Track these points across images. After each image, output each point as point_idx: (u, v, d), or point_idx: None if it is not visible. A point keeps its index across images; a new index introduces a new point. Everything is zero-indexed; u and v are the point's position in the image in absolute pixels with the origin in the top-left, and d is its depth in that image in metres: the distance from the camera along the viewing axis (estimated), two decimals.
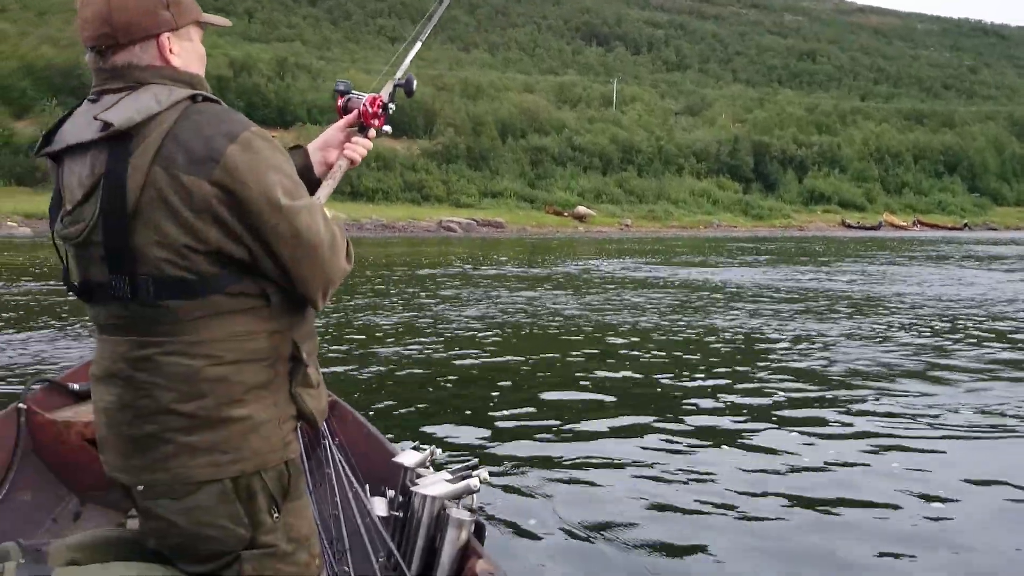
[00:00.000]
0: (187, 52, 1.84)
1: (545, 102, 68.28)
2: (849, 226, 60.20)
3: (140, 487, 1.81)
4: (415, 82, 2.33)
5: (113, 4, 1.74)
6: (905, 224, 62.33)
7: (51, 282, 13.71)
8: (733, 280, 16.79)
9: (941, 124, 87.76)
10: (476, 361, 7.87)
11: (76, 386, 3.66)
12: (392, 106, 2.24)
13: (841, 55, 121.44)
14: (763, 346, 8.77)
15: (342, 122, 2.21)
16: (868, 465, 4.73)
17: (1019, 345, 8.93)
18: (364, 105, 2.16)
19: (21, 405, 3.39)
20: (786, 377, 7.11)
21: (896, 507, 4.08)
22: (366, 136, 2.20)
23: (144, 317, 1.74)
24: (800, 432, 5.35)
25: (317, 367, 1.97)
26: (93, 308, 1.85)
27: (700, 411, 5.92)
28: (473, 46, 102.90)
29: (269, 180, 1.69)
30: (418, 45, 2.64)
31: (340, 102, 2.20)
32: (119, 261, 1.71)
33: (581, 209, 51.47)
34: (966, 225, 63.88)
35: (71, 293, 1.88)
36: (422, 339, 9.00)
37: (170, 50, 1.80)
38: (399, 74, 2.38)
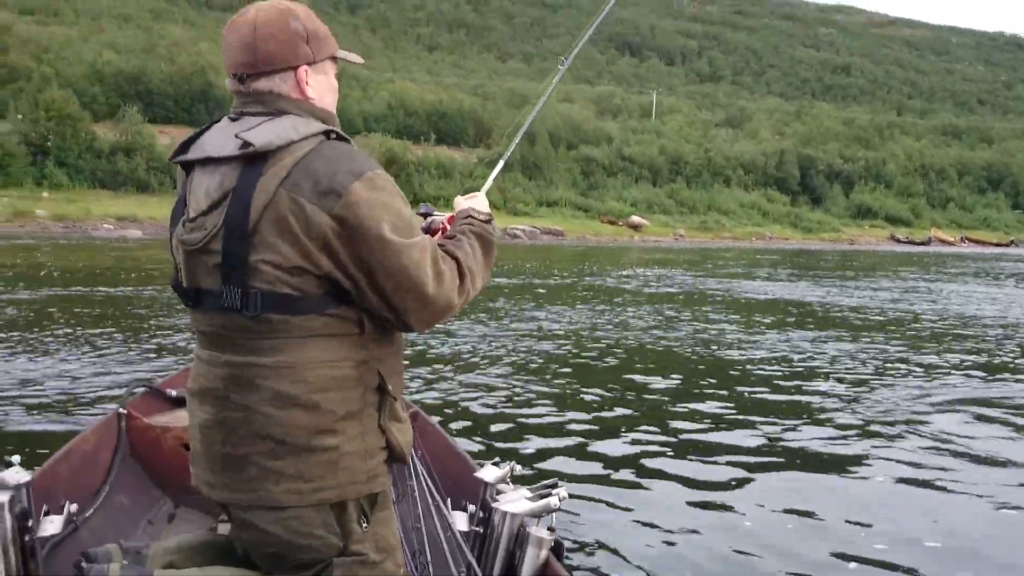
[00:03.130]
0: (321, 85, 1.93)
1: (588, 113, 68.53)
2: (899, 241, 60.21)
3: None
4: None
5: (258, 34, 1.83)
6: (953, 240, 62.27)
7: (155, 287, 13.72)
8: (820, 299, 16.75)
9: (979, 140, 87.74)
10: (561, 375, 7.69)
11: (174, 392, 3.76)
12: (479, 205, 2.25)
13: (875, 68, 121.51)
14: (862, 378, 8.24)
15: None
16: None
17: None
18: (443, 224, 2.26)
19: (122, 410, 3.47)
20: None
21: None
22: None
23: (246, 329, 1.80)
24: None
25: (404, 404, 2.04)
26: (197, 314, 1.91)
27: (786, 434, 5.80)
28: (509, 56, 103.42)
29: (383, 218, 1.76)
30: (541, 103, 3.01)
31: (424, 224, 2.25)
32: (234, 272, 1.78)
33: (635, 219, 51.77)
34: (1012, 242, 63.72)
35: (178, 296, 1.95)
36: (505, 350, 8.88)
37: (307, 83, 1.89)
38: (485, 188, 2.55)
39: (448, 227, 2.22)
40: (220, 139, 1.84)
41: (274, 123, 1.80)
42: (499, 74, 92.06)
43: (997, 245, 61.28)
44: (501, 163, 3.08)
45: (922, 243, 59.53)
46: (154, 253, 21.98)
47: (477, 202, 2.19)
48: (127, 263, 19.18)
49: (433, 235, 2.20)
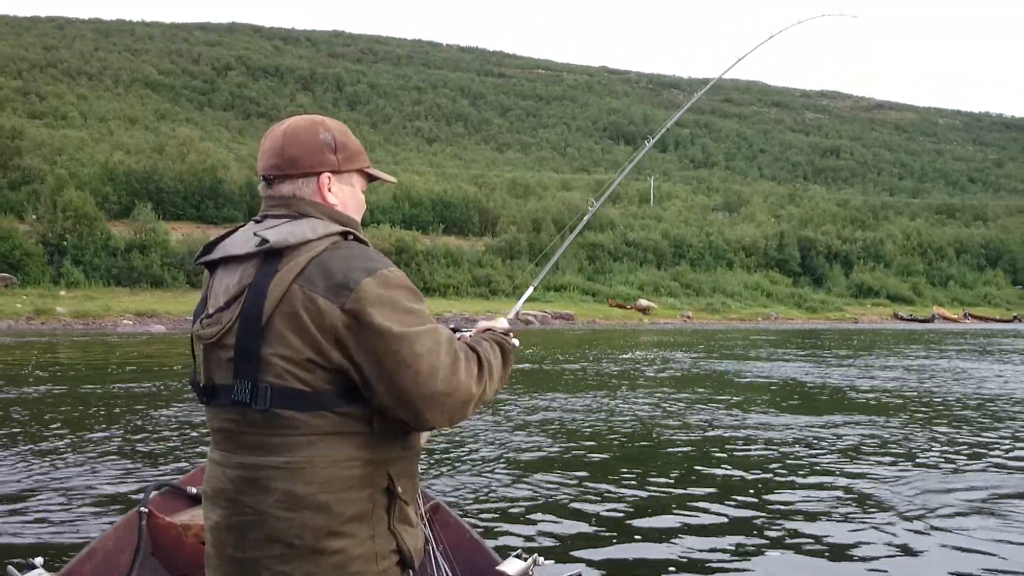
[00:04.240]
0: (345, 195, 1.99)
1: (589, 199, 69.54)
2: (902, 319, 60.41)
3: None
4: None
5: (286, 139, 1.94)
6: (956, 317, 62.46)
7: (177, 382, 13.72)
8: (833, 379, 16.77)
9: (974, 218, 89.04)
10: (582, 463, 7.59)
11: (194, 489, 3.76)
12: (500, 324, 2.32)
13: (864, 151, 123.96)
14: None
15: None
16: None
17: None
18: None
19: (143, 509, 3.46)
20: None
21: None
22: None
23: (255, 424, 1.82)
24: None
25: (417, 509, 2.02)
26: (211, 411, 1.93)
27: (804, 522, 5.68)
28: (507, 146, 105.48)
29: (393, 313, 1.78)
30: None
31: None
32: (245, 365, 1.81)
33: (643, 302, 52.08)
34: (1016, 317, 63.96)
35: (194, 393, 1.97)
36: (527, 436, 8.91)
37: (329, 189, 1.95)
38: (511, 313, 2.61)
39: None
40: (241, 239, 1.92)
41: (293, 224, 1.87)
42: (497, 164, 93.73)
43: (1001, 321, 61.50)
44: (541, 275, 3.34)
45: (926, 320, 59.69)
46: (176, 349, 22.01)
47: (497, 323, 2.27)
48: (148, 359, 19.26)
49: None
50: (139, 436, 8.67)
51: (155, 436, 8.74)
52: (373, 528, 1.85)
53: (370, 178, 2.09)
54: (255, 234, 1.88)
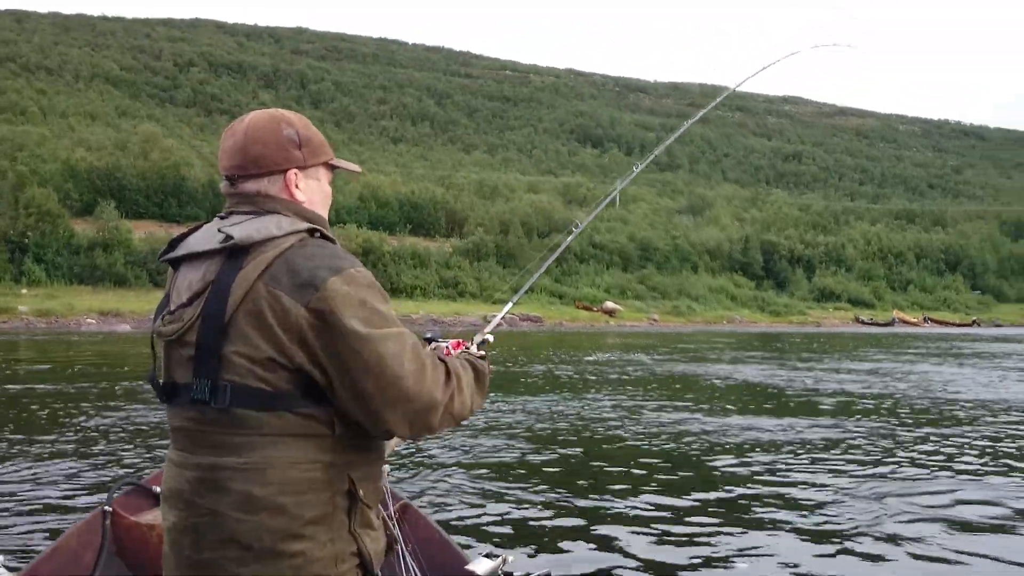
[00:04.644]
0: (312, 190, 1.96)
1: (556, 202, 69.83)
2: (864, 322, 61.28)
3: None
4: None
5: (249, 138, 1.89)
6: (916, 321, 63.54)
7: (141, 382, 13.52)
8: (798, 379, 16.94)
9: (933, 223, 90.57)
10: (553, 464, 7.69)
11: (159, 488, 3.70)
12: (476, 349, 2.31)
13: (826, 156, 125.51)
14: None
15: None
16: None
17: None
18: (448, 349, 2.25)
19: (107, 508, 3.40)
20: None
21: None
22: None
23: (214, 424, 1.78)
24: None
25: (379, 513, 1.98)
26: (170, 409, 1.90)
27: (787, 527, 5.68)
28: (473, 147, 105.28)
29: (359, 311, 1.75)
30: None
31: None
32: (205, 364, 1.77)
33: (610, 304, 52.47)
34: (975, 322, 65.19)
35: (154, 391, 1.94)
36: (496, 437, 8.90)
37: (296, 185, 1.92)
38: (480, 337, 2.57)
39: (453, 352, 2.21)
40: (205, 236, 1.88)
41: (258, 220, 1.84)
42: (464, 165, 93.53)
43: (959, 325, 62.61)
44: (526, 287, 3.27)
45: (886, 324, 60.60)
46: (141, 348, 21.69)
47: (472, 348, 2.26)
48: (112, 358, 18.98)
49: None
50: (102, 436, 8.57)
51: (119, 436, 8.64)
52: (333, 531, 1.81)
53: (334, 169, 2.05)
54: (219, 230, 1.84)
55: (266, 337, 1.74)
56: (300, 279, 1.74)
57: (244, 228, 1.82)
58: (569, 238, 3.50)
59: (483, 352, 2.22)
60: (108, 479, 6.35)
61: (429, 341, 2.28)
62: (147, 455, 7.61)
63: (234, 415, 1.76)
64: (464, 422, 2.06)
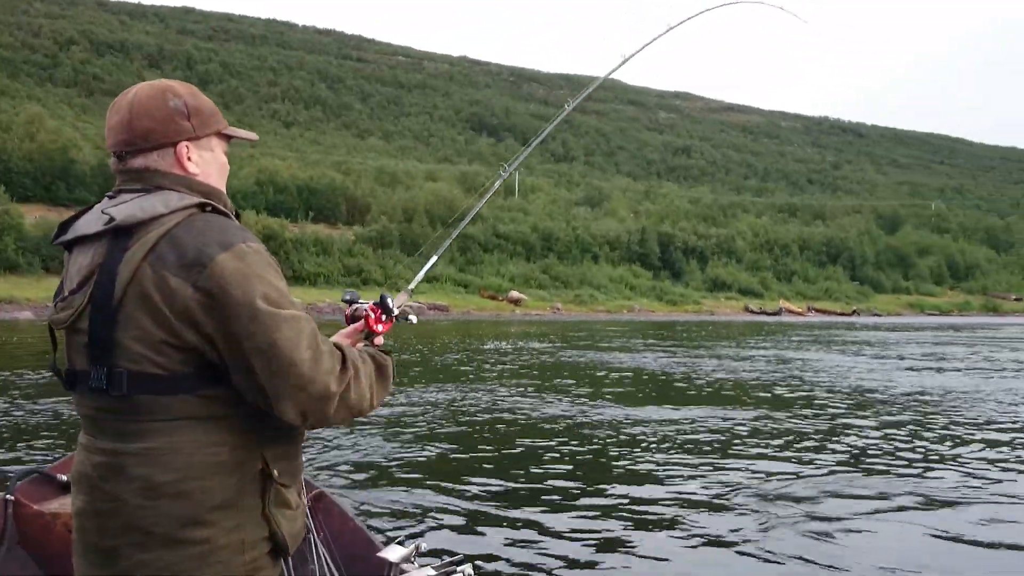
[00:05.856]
0: (206, 162, 1.88)
1: (456, 190, 69.75)
2: (752, 312, 63.56)
3: None
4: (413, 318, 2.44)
5: (135, 112, 1.81)
6: (800, 311, 66.24)
7: (44, 369, 13.15)
8: (731, 367, 17.47)
9: (814, 217, 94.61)
10: (468, 449, 7.85)
11: (64, 477, 3.52)
12: (396, 309, 2.22)
13: (714, 151, 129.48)
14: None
15: (349, 329, 2.18)
16: None
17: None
18: (368, 312, 2.17)
19: (9, 496, 3.31)
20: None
21: None
22: (372, 343, 2.16)
23: (115, 412, 1.73)
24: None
25: (300, 489, 1.92)
26: (75, 396, 1.85)
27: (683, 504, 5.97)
28: (368, 133, 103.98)
29: (252, 288, 1.67)
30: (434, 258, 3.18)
31: (348, 311, 2.22)
32: (99, 351, 1.72)
33: (515, 294, 52.89)
34: (855, 311, 68.47)
35: (57, 379, 1.89)
36: (408, 427, 8.96)
37: (188, 158, 1.84)
38: (412, 285, 2.60)
39: (372, 315, 2.15)
40: (92, 218, 1.81)
41: (144, 198, 1.76)
42: (360, 150, 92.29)
43: (842, 315, 65.62)
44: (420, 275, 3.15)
45: (774, 313, 63.01)
46: (45, 334, 20.59)
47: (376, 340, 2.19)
48: (12, 346, 18.18)
49: (358, 324, 2.16)
50: (4, 427, 8.28)
51: (22, 426, 8.37)
52: (241, 516, 1.75)
53: (228, 138, 1.96)
54: (103, 212, 1.77)
55: (157, 321, 1.67)
56: (186, 258, 1.67)
57: (128, 208, 1.74)
58: (468, 216, 3.42)
59: (383, 346, 2.13)
60: (10, 471, 6.08)
61: (349, 303, 2.23)
62: (52, 444, 7.43)
63: (134, 401, 1.70)
64: (363, 416, 1.97)
